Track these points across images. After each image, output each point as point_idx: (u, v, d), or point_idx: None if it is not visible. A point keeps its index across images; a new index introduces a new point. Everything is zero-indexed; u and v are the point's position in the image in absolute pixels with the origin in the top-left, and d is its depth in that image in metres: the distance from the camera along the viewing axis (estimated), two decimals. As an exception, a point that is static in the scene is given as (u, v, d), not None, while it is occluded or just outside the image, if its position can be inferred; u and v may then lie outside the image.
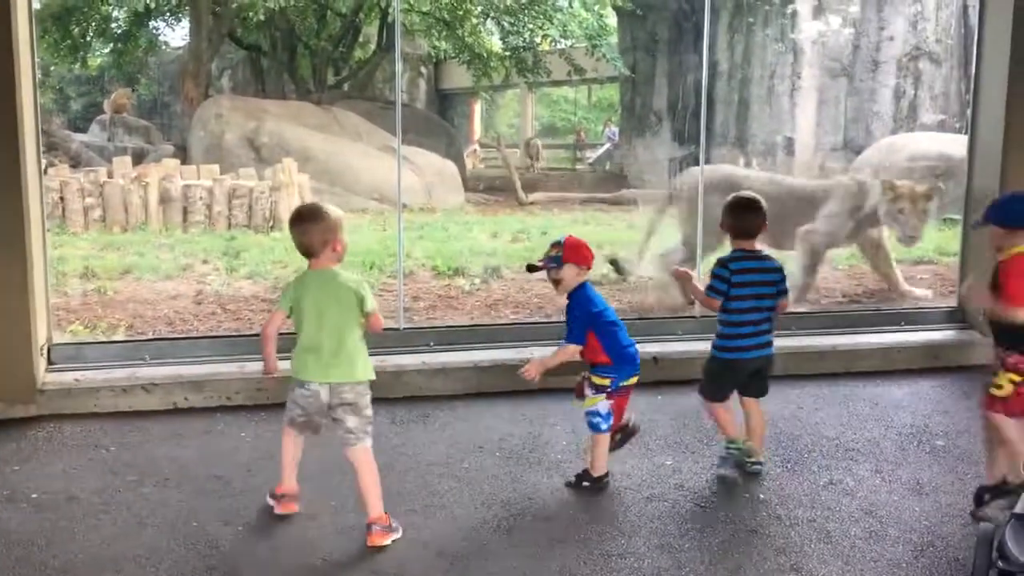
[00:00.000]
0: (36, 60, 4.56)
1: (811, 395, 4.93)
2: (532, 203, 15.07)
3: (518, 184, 15.80)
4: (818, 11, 16.29)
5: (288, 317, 3.32)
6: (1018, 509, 2.56)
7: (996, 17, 5.43)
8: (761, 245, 3.89)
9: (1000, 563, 2.55)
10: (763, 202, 3.84)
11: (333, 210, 3.34)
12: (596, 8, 18.85)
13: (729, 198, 3.89)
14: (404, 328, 5.36)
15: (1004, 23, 5.31)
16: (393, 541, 3.23)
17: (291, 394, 3.38)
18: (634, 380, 3.75)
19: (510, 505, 3.56)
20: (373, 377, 3.35)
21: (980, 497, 3.46)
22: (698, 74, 17.11)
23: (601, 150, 26.79)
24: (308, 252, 3.30)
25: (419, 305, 6.91)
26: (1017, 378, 3.37)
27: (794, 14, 16.51)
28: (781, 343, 5.37)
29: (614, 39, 20.05)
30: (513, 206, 14.81)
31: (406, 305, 5.66)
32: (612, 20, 20.01)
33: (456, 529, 3.36)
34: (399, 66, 5.81)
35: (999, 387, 3.40)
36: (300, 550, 3.20)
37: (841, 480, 3.83)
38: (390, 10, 16.89)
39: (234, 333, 5.98)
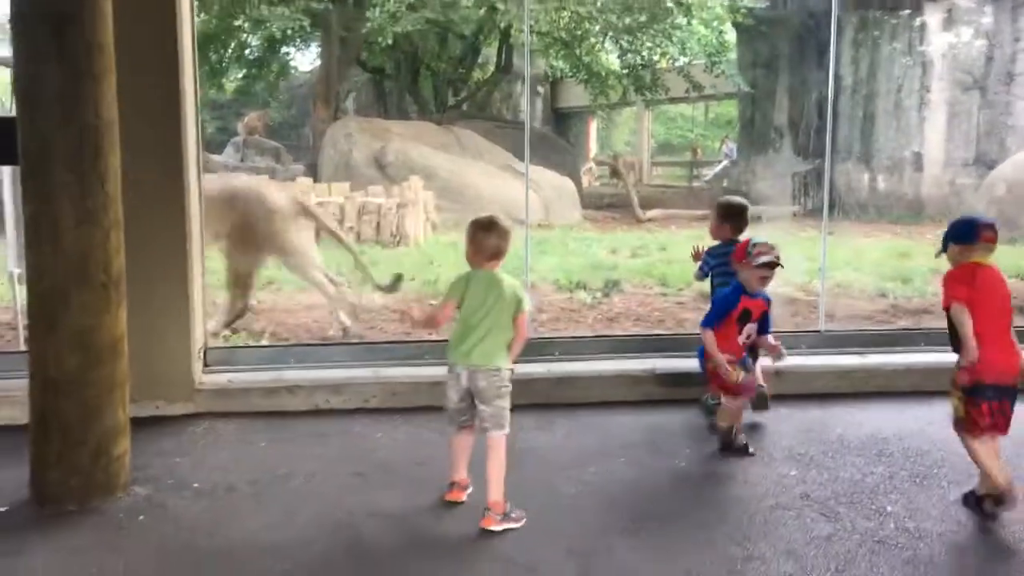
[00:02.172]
0: (197, 84, 4.95)
1: (942, 412, 4.83)
2: (649, 220, 15.11)
3: (635, 201, 15.86)
4: (948, 23, 15.80)
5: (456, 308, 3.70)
6: None
7: None
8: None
9: None
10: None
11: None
12: (716, 25, 18.76)
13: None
14: (530, 338, 5.54)
15: None
16: (505, 530, 3.47)
17: (445, 388, 3.73)
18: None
19: (635, 508, 3.68)
20: (509, 367, 3.67)
21: (967, 499, 3.69)
22: (820, 89, 16.83)
23: (719, 167, 26.54)
24: (497, 255, 3.71)
25: (542, 317, 7.09)
26: (959, 394, 3.59)
27: (923, 26, 16.06)
28: (913, 359, 5.34)
29: (734, 55, 19.90)
30: (630, 222, 14.88)
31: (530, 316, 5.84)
32: (732, 36, 19.88)
33: (583, 529, 3.49)
34: (527, 86, 6.03)
35: (954, 408, 3.63)
36: (435, 541, 3.39)
37: (973, 496, 3.79)
38: (511, 31, 17.24)
39: (370, 341, 6.28)
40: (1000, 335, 3.54)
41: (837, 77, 16.50)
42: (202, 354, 4.97)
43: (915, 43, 16.13)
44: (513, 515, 3.53)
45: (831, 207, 16.55)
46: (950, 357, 5.39)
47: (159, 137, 4.57)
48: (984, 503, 3.59)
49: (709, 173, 26.91)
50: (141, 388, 4.48)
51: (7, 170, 5.63)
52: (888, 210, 15.99)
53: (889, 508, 3.68)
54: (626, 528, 3.50)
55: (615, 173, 21.14)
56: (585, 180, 21.75)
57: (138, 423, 4.25)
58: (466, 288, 3.70)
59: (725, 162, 25.94)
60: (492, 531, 3.46)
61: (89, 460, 3.66)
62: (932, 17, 15.85)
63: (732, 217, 4.84)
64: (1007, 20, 15.32)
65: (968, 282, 3.53)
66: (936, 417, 4.76)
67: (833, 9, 6.39)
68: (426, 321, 3.85)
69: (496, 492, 3.54)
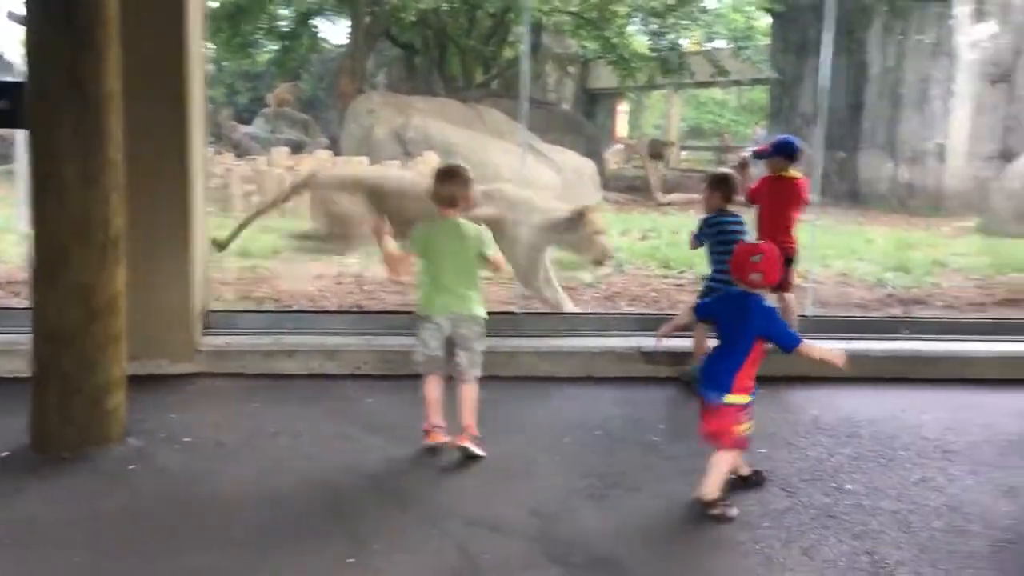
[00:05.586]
0: (204, 59, 5.10)
1: (919, 399, 4.96)
2: (668, 203, 15.16)
3: (653, 184, 15.92)
4: (978, 15, 15.62)
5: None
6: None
7: None
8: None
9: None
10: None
11: (470, 170, 3.95)
12: (748, 9, 18.67)
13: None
14: (520, 313, 5.70)
15: None
16: (475, 457, 3.90)
17: (419, 335, 3.93)
18: None
19: (604, 477, 3.82)
20: (485, 316, 3.93)
21: None
22: (850, 79, 16.72)
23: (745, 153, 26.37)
24: (450, 202, 3.85)
25: (528, 293, 7.19)
26: None
27: (953, 18, 15.88)
28: (895, 347, 5.44)
29: (764, 41, 19.79)
30: (649, 206, 14.94)
31: (526, 293, 5.98)
32: (764, 21, 19.77)
33: (545, 492, 3.64)
34: (525, 63, 6.14)
35: None
36: (410, 498, 3.56)
37: (932, 478, 3.90)
38: (542, 10, 17.24)
39: (365, 310, 6.45)
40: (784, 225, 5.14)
41: (861, 65, 16.33)
42: (203, 317, 5.16)
43: (944, 35, 15.95)
44: (480, 444, 3.92)
45: (855, 197, 16.51)
46: (930, 346, 5.55)
47: (163, 109, 4.73)
48: None
49: (735, 159, 26.76)
50: (144, 348, 4.70)
51: (20, 133, 5.84)
52: (908, 201, 15.92)
53: (849, 486, 3.80)
54: (592, 494, 3.65)
55: (630, 157, 21.19)
56: (612, 162, 21.77)
57: (140, 380, 4.48)
58: (426, 238, 3.85)
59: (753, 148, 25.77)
60: (475, 454, 3.89)
61: (85, 410, 3.87)
62: (962, 9, 15.67)
63: (720, 186, 5.05)
64: (1039, 14, 15.14)
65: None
66: (912, 404, 4.87)
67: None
68: (389, 258, 3.89)
69: (469, 417, 3.95)
